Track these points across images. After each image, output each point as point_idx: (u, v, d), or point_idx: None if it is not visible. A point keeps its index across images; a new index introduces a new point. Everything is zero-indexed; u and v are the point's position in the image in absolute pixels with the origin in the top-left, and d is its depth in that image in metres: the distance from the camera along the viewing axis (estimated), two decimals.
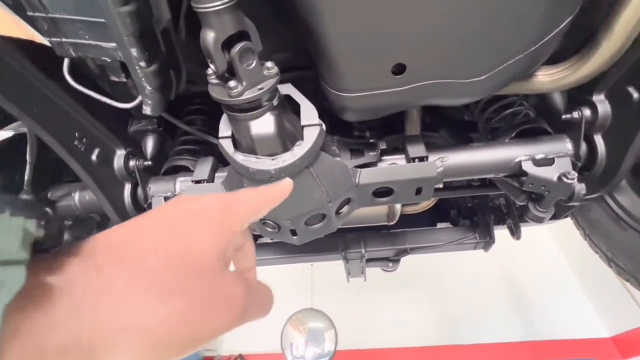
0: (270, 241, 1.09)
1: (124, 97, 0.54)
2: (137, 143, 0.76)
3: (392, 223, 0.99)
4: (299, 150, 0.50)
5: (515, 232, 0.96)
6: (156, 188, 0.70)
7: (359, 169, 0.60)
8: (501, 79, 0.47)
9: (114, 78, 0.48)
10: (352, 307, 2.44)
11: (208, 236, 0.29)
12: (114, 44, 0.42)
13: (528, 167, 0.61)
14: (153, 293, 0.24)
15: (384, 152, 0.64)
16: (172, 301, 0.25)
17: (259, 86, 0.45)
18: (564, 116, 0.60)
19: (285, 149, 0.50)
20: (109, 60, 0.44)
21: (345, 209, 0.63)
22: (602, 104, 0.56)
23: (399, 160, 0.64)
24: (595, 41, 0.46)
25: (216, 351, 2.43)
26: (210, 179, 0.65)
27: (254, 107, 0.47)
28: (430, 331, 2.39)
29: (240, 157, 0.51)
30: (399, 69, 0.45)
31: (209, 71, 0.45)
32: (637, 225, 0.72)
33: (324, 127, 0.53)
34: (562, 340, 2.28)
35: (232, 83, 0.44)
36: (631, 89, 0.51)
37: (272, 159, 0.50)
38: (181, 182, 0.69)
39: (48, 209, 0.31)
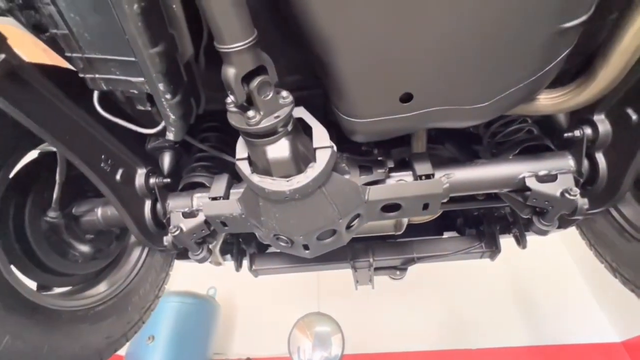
0: (279, 251, 1.12)
1: (147, 121, 0.57)
2: (154, 160, 0.79)
3: (399, 233, 1.01)
4: (312, 172, 0.53)
5: (521, 241, 0.98)
6: (174, 204, 0.73)
7: (368, 186, 0.63)
8: (505, 104, 0.49)
9: (140, 107, 0.52)
10: (359, 311, 2.45)
11: None
12: (142, 79, 0.46)
13: (532, 183, 0.63)
14: None
15: (391, 169, 0.67)
16: None
17: (275, 114, 0.48)
18: (565, 134, 0.62)
19: (299, 170, 0.53)
20: (136, 92, 0.48)
21: (355, 223, 0.66)
22: (603, 124, 0.58)
23: (406, 177, 0.66)
24: (593, 70, 0.48)
25: (225, 354, 2.46)
26: (226, 196, 0.69)
27: (270, 133, 0.50)
28: (437, 335, 2.39)
29: (256, 179, 0.54)
30: (407, 97, 0.48)
31: (228, 100, 0.48)
32: None
33: (334, 148, 0.56)
34: (571, 345, 2.26)
35: (250, 113, 0.47)
36: (630, 111, 0.53)
37: (287, 181, 0.53)
38: (198, 198, 0.73)
39: None
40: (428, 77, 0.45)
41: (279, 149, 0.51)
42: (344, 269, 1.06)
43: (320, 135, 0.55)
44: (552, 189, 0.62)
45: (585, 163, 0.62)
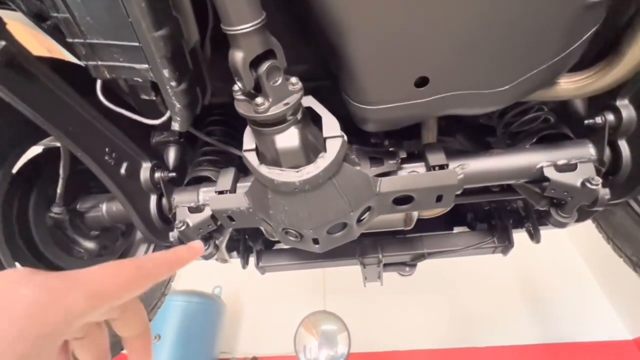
0: (287, 247, 1.10)
1: (151, 113, 0.56)
2: (159, 154, 0.78)
3: (409, 228, 0.99)
4: (322, 162, 0.51)
5: (534, 236, 0.95)
6: (180, 198, 0.72)
7: (379, 178, 0.61)
8: (525, 89, 0.47)
9: (144, 96, 0.50)
10: (365, 309, 2.44)
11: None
12: (146, 66, 0.44)
13: (550, 173, 0.60)
14: None
15: (403, 160, 0.65)
16: None
17: (285, 101, 0.46)
18: (586, 121, 0.59)
19: (309, 161, 0.52)
20: (140, 80, 0.46)
21: (366, 216, 0.64)
22: (627, 109, 0.56)
23: (419, 168, 0.64)
24: (620, 50, 0.45)
25: (231, 353, 2.46)
26: (233, 190, 0.67)
27: (279, 122, 0.48)
28: (444, 333, 2.36)
29: (265, 170, 0.52)
30: (422, 82, 0.46)
31: (235, 87, 0.47)
32: None
33: (345, 138, 0.54)
34: (582, 343, 2.22)
35: (259, 100, 0.45)
36: None
37: (297, 171, 0.51)
38: (204, 193, 0.71)
39: None
40: (445, 59, 0.43)
41: (288, 138, 0.49)
42: (353, 265, 1.04)
43: (331, 125, 0.53)
44: (572, 179, 0.59)
45: (607, 151, 0.60)
